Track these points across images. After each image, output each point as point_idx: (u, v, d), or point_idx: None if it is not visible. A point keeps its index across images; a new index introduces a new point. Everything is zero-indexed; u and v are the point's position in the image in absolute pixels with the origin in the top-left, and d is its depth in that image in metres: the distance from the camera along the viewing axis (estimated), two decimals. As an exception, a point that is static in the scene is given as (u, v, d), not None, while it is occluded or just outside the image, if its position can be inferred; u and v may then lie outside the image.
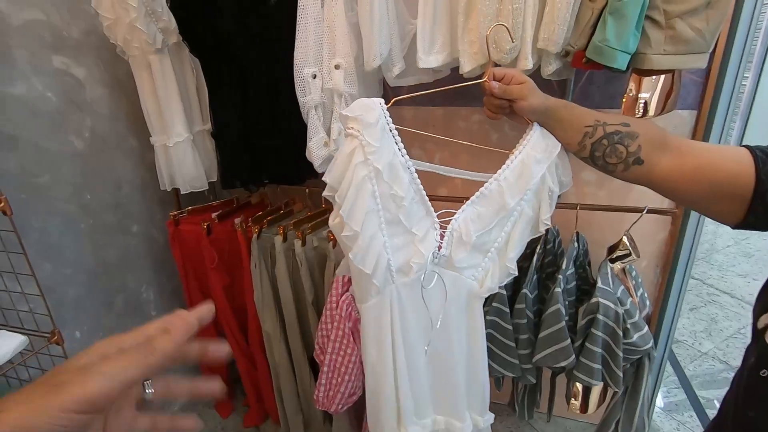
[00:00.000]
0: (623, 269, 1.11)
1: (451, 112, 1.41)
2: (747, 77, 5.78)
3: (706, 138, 1.11)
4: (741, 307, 2.51)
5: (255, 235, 1.30)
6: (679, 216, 1.08)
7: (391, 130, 0.75)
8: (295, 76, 0.99)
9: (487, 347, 1.09)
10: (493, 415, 0.95)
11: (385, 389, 0.86)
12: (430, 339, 0.87)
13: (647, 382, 1.14)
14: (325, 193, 0.78)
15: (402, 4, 0.99)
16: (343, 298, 1.17)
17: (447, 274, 0.84)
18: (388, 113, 0.74)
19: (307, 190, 1.36)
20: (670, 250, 1.25)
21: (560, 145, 0.76)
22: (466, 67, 0.93)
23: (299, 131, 1.18)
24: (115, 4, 1.11)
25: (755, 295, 0.61)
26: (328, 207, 1.39)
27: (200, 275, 1.49)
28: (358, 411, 1.45)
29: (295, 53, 0.98)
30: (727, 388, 0.66)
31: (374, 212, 0.77)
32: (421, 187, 0.78)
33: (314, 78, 0.99)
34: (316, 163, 1.05)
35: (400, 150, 0.76)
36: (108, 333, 1.44)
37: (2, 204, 0.92)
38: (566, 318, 1.02)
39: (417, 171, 0.79)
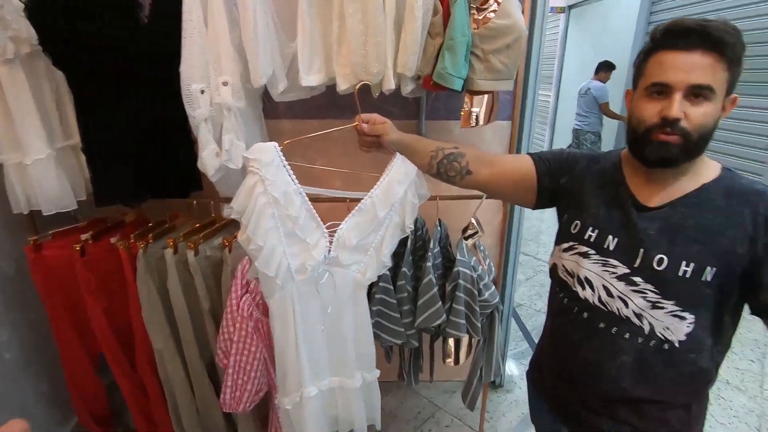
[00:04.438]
0: (474, 245, 1.42)
1: (326, 123, 1.57)
2: (549, 95, 7.28)
3: (519, 139, 1.49)
4: (560, 273, 3.24)
5: (141, 251, 1.27)
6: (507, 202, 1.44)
7: (284, 166, 0.95)
8: (182, 91, 1.04)
9: (377, 322, 1.29)
10: (378, 371, 1.19)
11: (290, 361, 1.06)
12: (324, 321, 1.08)
13: (499, 332, 1.47)
14: (233, 216, 0.94)
15: (279, 29, 1.12)
16: (243, 299, 1.25)
17: (336, 270, 1.06)
18: (281, 153, 0.94)
19: (194, 202, 1.37)
20: (504, 228, 1.62)
21: (416, 168, 1.00)
22: (342, 86, 1.11)
23: (185, 144, 1.22)
24: (-49, 9, 1.00)
25: None
26: (218, 217, 1.43)
27: (71, 303, 1.37)
28: (262, 412, 1.51)
29: (182, 69, 1.04)
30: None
31: (274, 229, 0.96)
32: (312, 207, 0.99)
33: (202, 93, 1.06)
34: (210, 173, 1.11)
35: (293, 181, 0.96)
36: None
37: None
38: (437, 287, 1.27)
39: (307, 194, 0.99)
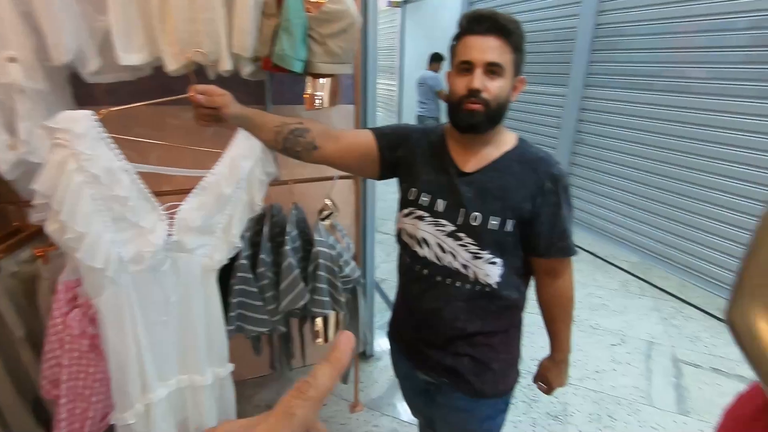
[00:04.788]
0: (331, 225, 1.46)
1: (161, 110, 1.43)
2: (394, 84, 7.77)
3: (364, 122, 1.58)
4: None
5: None
6: (358, 179, 1.52)
7: (104, 138, 0.82)
8: (-53, 67, 0.83)
9: (240, 314, 1.24)
10: (231, 365, 1.13)
11: (129, 366, 0.94)
12: (168, 312, 0.98)
13: (363, 305, 1.56)
14: (35, 202, 0.76)
15: (84, -1, 0.97)
16: (72, 315, 1.07)
17: (180, 256, 0.97)
18: (99, 123, 0.80)
19: (-15, 207, 1.11)
20: (359, 207, 1.71)
21: (261, 144, 0.98)
22: (171, 66, 1.02)
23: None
24: None
25: None
26: (23, 224, 1.18)
27: None
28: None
29: (-57, 40, 0.82)
30: None
31: (97, 213, 0.82)
32: (143, 186, 0.88)
33: (-21, 71, 0.86)
34: (4, 168, 0.91)
35: (116, 156, 0.84)
36: None
37: None
38: (298, 269, 1.28)
39: (139, 172, 0.88)
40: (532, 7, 4.25)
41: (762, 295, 0.50)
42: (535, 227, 0.87)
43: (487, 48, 0.81)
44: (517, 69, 0.86)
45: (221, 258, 0.99)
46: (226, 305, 1.20)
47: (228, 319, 1.20)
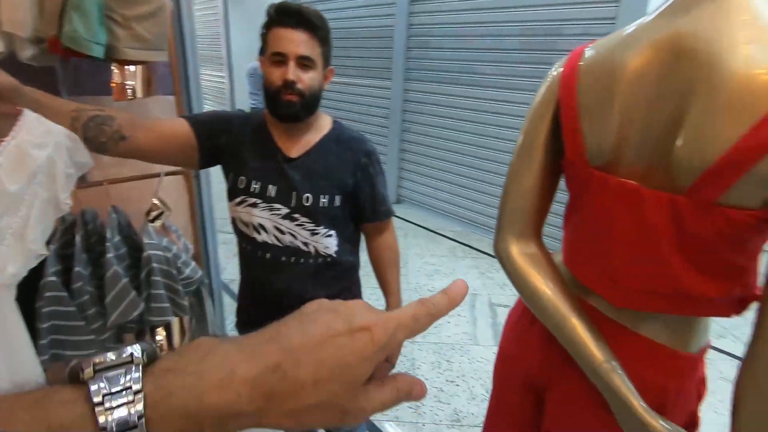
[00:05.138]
0: (163, 225, 1.35)
1: None
2: (224, 76, 7.31)
3: (188, 113, 1.49)
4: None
5: None
6: (190, 175, 1.43)
7: None
8: None
9: (53, 339, 1.07)
10: None
11: None
12: None
13: (210, 306, 1.49)
14: None
15: None
16: None
17: None
18: None
19: None
20: (194, 204, 1.61)
21: (64, 129, 0.84)
22: None
23: None
24: None
25: None
26: None
27: None
28: None
29: None
30: None
31: None
32: None
33: None
34: None
35: None
36: None
37: None
38: (127, 278, 1.15)
39: None
40: (353, 5, 4.50)
41: (512, 227, 0.69)
42: (359, 198, 0.98)
43: (299, 41, 0.86)
44: (326, 60, 0.94)
45: (16, 271, 0.82)
46: (36, 331, 1.01)
47: (40, 348, 1.02)
